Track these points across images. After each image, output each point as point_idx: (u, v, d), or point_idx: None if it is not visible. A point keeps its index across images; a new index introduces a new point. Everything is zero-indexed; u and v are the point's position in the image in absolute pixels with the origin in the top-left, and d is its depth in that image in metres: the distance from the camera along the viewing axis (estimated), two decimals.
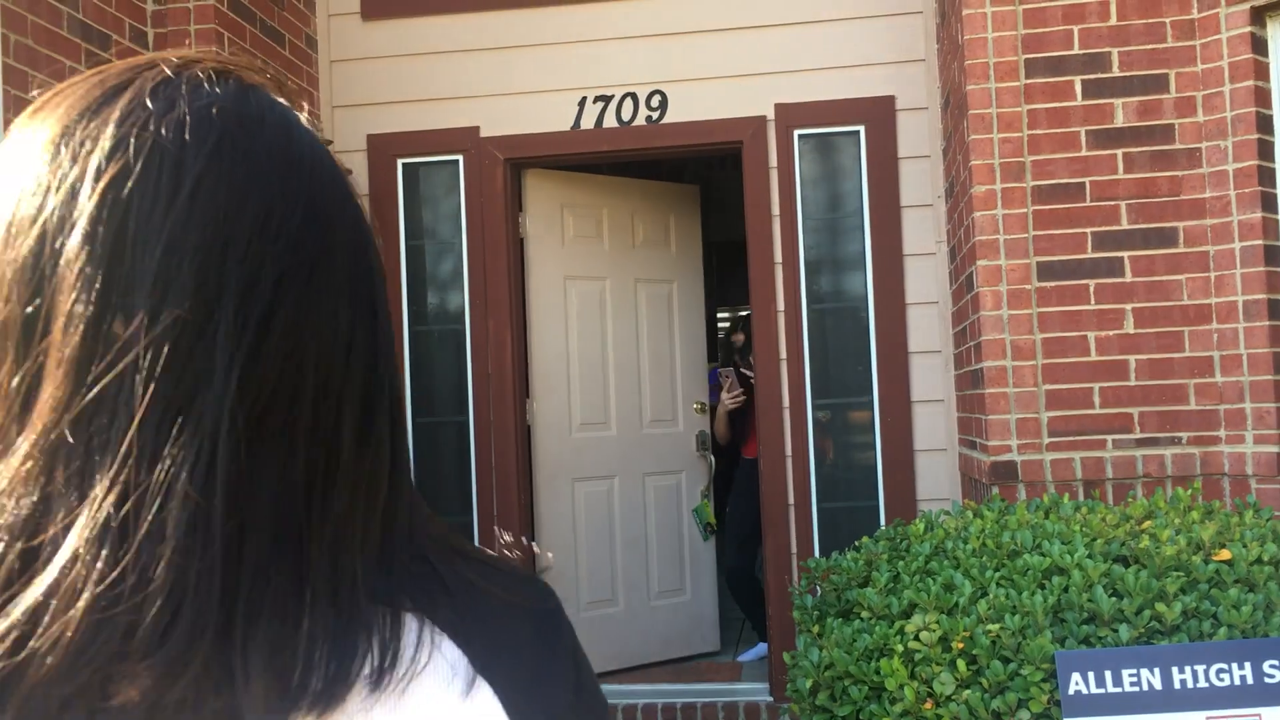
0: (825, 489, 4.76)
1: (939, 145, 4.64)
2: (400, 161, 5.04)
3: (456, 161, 5.02)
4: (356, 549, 0.60)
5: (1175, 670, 2.38)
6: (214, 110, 0.58)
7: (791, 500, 4.76)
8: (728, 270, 7.95)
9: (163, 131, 0.56)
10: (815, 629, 2.90)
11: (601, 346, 5.36)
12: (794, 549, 4.75)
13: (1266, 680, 2.35)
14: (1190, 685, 2.37)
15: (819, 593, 3.21)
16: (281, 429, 0.57)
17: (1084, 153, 3.69)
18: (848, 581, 3.00)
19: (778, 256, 4.79)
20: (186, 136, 0.57)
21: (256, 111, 0.60)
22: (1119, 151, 3.68)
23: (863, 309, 4.77)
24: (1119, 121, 3.68)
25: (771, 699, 4.75)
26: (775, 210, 4.80)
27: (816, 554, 4.67)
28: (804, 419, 4.76)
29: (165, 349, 0.54)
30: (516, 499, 4.94)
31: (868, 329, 4.76)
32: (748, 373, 5.24)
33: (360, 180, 4.96)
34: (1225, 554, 2.59)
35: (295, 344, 0.58)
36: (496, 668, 0.60)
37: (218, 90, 0.59)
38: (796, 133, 4.80)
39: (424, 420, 5.02)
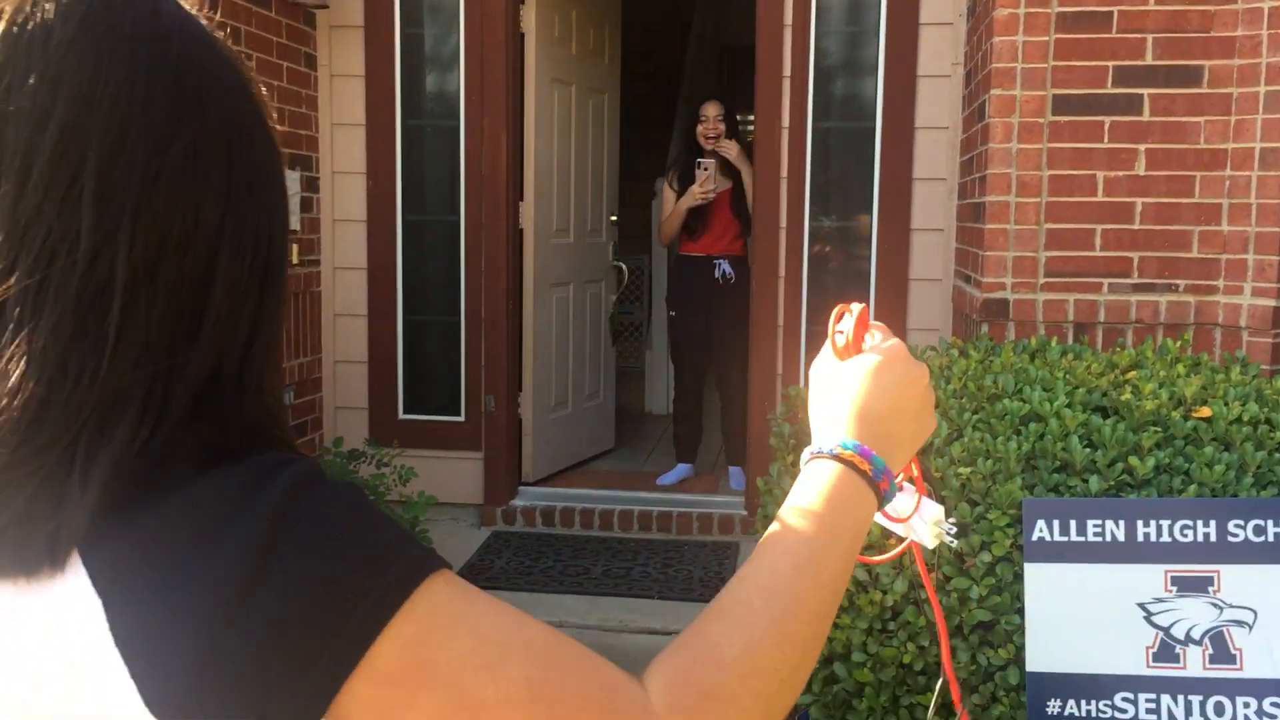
0: (815, 312, 4.71)
1: None
2: None
3: None
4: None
5: (1140, 524, 2.39)
6: None
7: (781, 322, 4.72)
8: (741, 77, 7.73)
9: (33, 10, 0.63)
10: (790, 458, 2.91)
11: (567, 154, 5.26)
12: (779, 371, 4.75)
13: (1230, 539, 2.36)
14: (1153, 539, 2.38)
15: (797, 421, 3.20)
16: (148, 287, 0.63)
17: None
18: None
19: (786, 69, 4.60)
20: (54, 13, 0.63)
21: None
22: None
23: (870, 130, 4.62)
24: None
25: (745, 513, 4.85)
26: (787, 19, 4.58)
27: (802, 380, 4.67)
28: (800, 239, 4.68)
29: (33, 210, 0.61)
30: (505, 304, 4.90)
31: (873, 151, 4.62)
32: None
33: None
34: (1205, 411, 2.56)
35: (161, 209, 0.64)
36: (107, 542, 0.60)
37: None
38: None
39: (414, 218, 4.94)
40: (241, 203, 0.67)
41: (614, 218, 5.84)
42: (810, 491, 0.81)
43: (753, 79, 4.70)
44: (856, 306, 0.93)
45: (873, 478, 0.83)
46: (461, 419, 4.99)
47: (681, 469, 5.36)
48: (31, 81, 0.61)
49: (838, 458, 0.84)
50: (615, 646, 3.71)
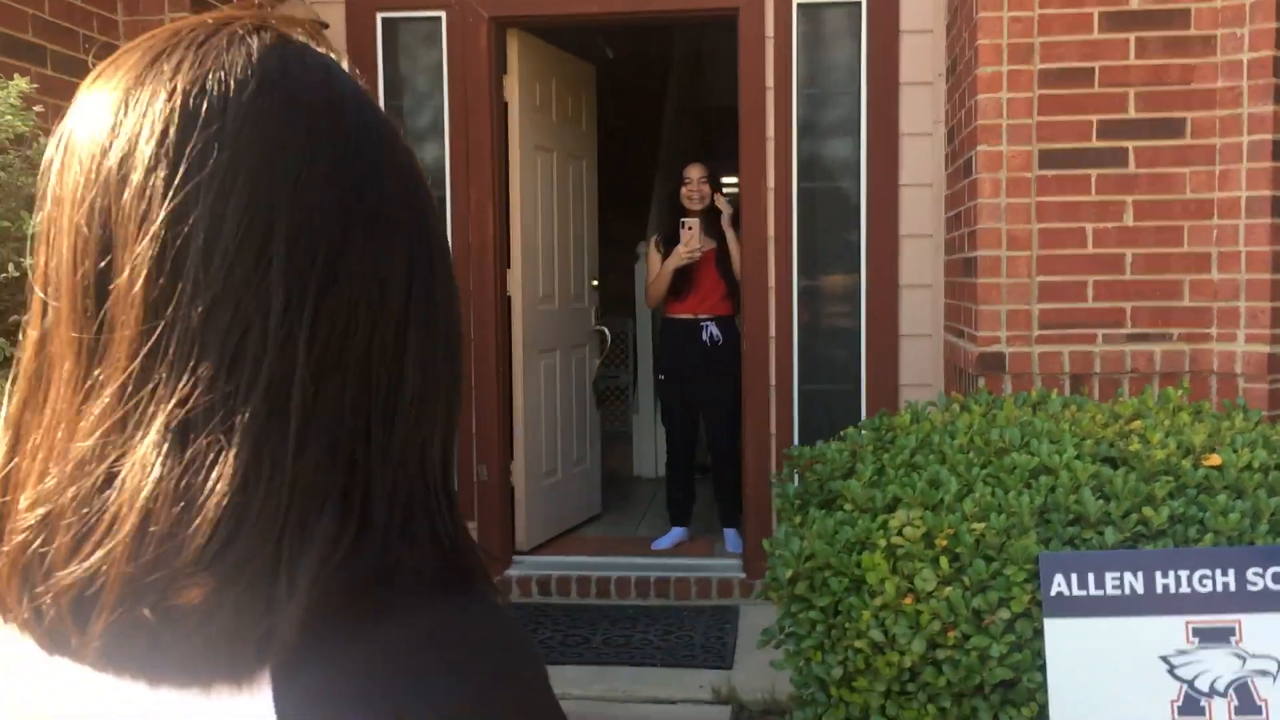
0: (807, 371, 4.71)
1: (943, 20, 4.47)
2: (380, 16, 4.82)
3: (439, 18, 4.79)
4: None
5: (1159, 575, 2.36)
6: (253, 58, 0.61)
7: (773, 382, 4.72)
8: (720, 138, 7.80)
9: (208, 83, 0.60)
10: (797, 519, 2.88)
11: (550, 220, 5.28)
12: (773, 431, 4.73)
13: (1249, 588, 2.34)
14: (1173, 590, 2.36)
15: (799, 481, 3.18)
16: (337, 368, 0.59)
17: (1095, 35, 3.54)
18: (831, 472, 2.97)
19: (769, 131, 4.64)
20: (229, 83, 0.60)
21: (296, 55, 0.63)
22: (1131, 35, 3.53)
23: (854, 188, 4.65)
24: (1134, 4, 3.53)
25: (745, 576, 4.79)
26: (769, 83, 4.63)
27: (795, 438, 4.65)
28: (789, 299, 4.69)
29: (220, 286, 0.57)
30: (495, 370, 4.87)
31: (859, 209, 4.65)
32: (725, 230, 5.05)
33: (337, 36, 4.74)
34: (1216, 459, 2.55)
35: (348, 283, 0.60)
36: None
37: (254, 41, 0.62)
38: (795, 1, 4.60)
39: None
40: (425, 275, 0.63)
41: (595, 282, 5.84)
42: None
43: (732, 140, 4.74)
44: None
45: None
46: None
47: (676, 533, 5.31)
48: (212, 157, 0.58)
49: None
50: (623, 716, 3.64)
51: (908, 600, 2.49)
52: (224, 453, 0.56)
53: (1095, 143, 3.55)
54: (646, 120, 8.68)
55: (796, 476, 3.27)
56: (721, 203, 5.11)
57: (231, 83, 0.59)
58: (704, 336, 5.16)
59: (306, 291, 0.58)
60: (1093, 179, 3.56)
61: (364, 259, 0.60)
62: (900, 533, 2.54)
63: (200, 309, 0.57)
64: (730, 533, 5.22)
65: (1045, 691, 2.37)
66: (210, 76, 0.60)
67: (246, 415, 0.57)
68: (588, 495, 5.77)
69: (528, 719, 0.60)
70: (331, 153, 0.60)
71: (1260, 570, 2.34)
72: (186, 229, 0.57)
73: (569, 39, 5.63)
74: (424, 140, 4.86)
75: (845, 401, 4.68)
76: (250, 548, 0.55)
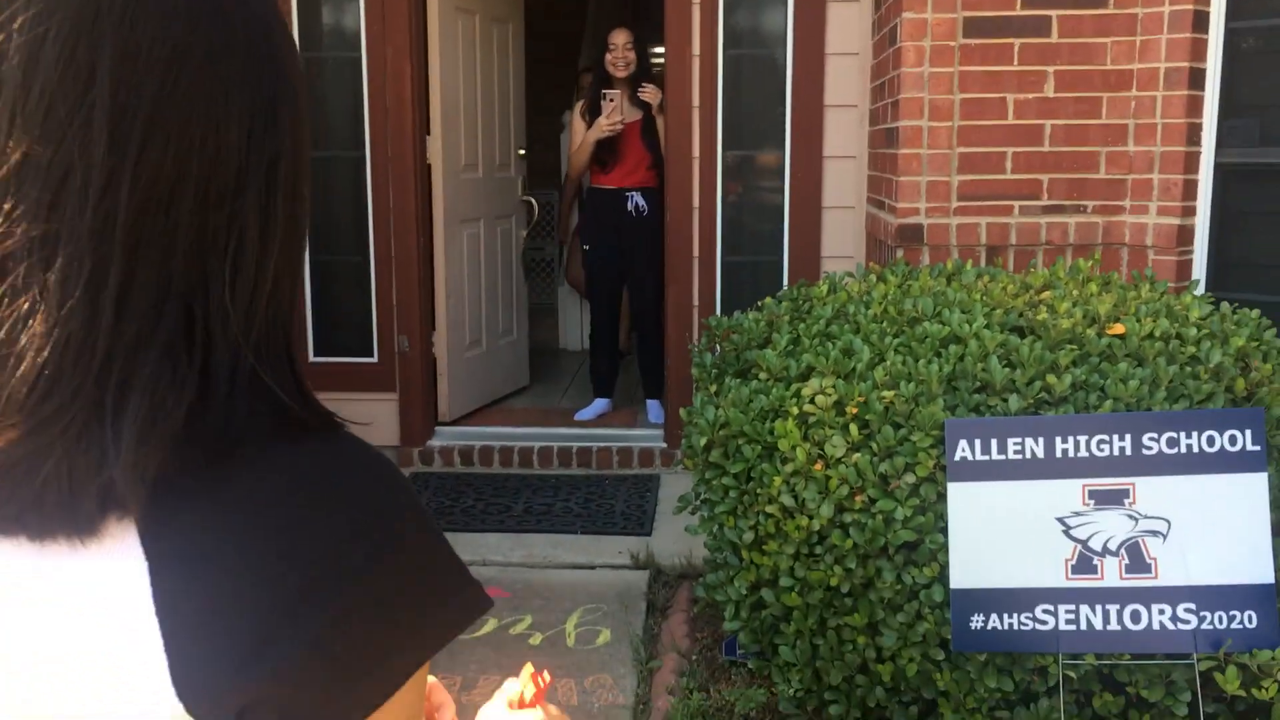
0: (730, 243, 4.70)
1: None
2: None
3: None
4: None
5: (1059, 440, 2.43)
6: None
7: (696, 253, 4.70)
8: (646, 6, 7.61)
9: None
10: (713, 388, 2.90)
11: (473, 85, 5.13)
12: (695, 302, 4.73)
13: (1144, 451, 2.41)
14: (1071, 454, 2.43)
15: (718, 351, 3.20)
16: (166, 215, 0.57)
17: None
18: (748, 342, 2.99)
19: None
20: None
21: None
22: None
23: (781, 56, 4.58)
24: None
25: (666, 446, 4.85)
26: None
27: (719, 309, 4.67)
28: (713, 170, 4.65)
29: (39, 127, 0.54)
30: (416, 241, 4.80)
31: (784, 78, 4.59)
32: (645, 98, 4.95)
33: None
34: (1119, 328, 2.61)
35: (179, 127, 0.57)
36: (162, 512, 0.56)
37: None
38: None
39: (317, 154, 4.78)
40: (268, 123, 0.60)
41: (522, 152, 5.73)
42: None
43: (658, 8, 4.62)
44: (534, 679, 0.97)
45: None
46: (374, 360, 4.89)
47: (599, 404, 5.34)
48: None
49: None
50: (540, 582, 3.70)
51: (818, 466, 2.53)
52: (40, 301, 0.54)
53: (1019, 10, 3.52)
54: None
55: (715, 347, 3.28)
56: (651, 94, 4.96)
57: None
58: (629, 207, 5.12)
59: (131, 133, 0.55)
60: (1015, 48, 3.54)
61: (197, 101, 0.57)
62: (812, 401, 2.57)
63: (19, 151, 0.54)
64: (653, 403, 5.26)
65: (946, 552, 2.45)
66: None
67: (65, 261, 0.54)
68: (515, 367, 5.76)
69: (405, 552, 0.60)
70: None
71: (1155, 435, 2.41)
72: (2, 67, 0.54)
73: None
74: (338, 0, 4.67)
75: (768, 273, 4.69)
76: (67, 396, 0.54)
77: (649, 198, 5.12)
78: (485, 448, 4.85)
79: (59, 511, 0.55)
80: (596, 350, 5.39)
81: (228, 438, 0.57)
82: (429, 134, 4.88)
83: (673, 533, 4.02)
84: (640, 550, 3.91)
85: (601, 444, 4.88)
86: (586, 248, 5.38)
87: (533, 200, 5.83)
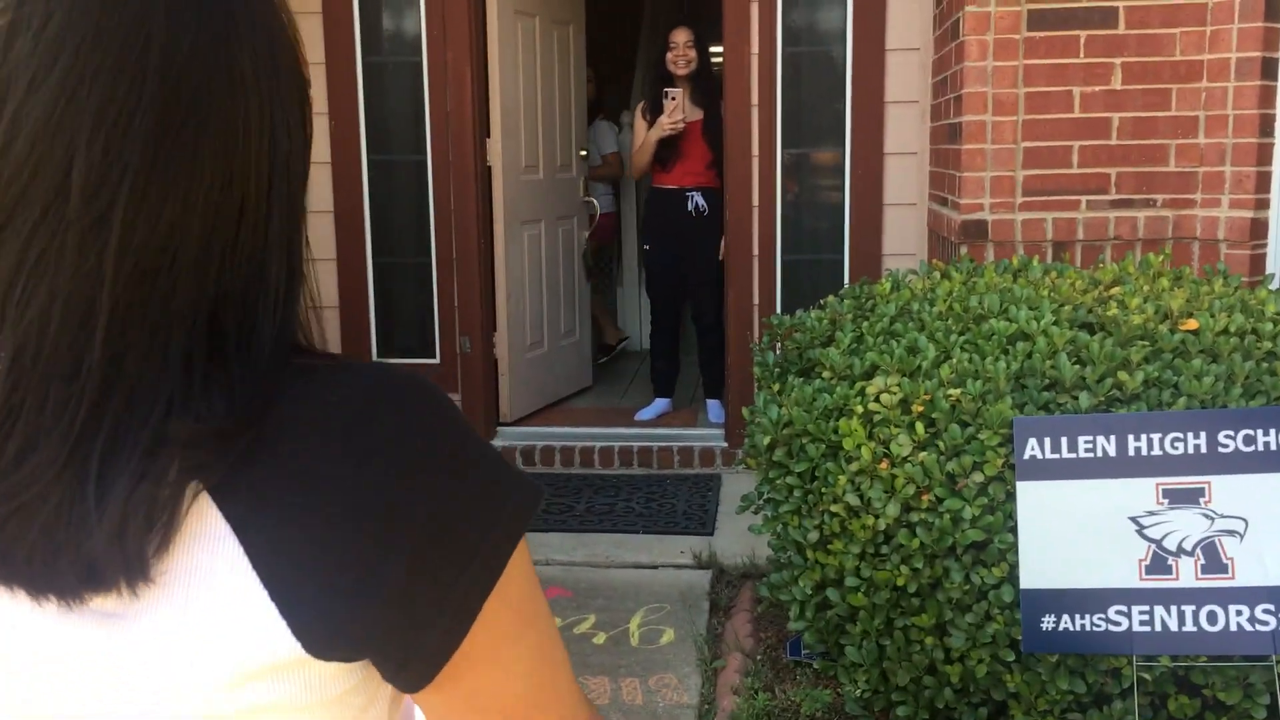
0: (790, 241, 4.68)
1: None
2: None
3: None
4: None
5: (1131, 438, 2.39)
6: None
7: (756, 252, 4.69)
8: (705, 4, 7.59)
9: None
10: (775, 386, 2.89)
11: (533, 87, 5.15)
12: (756, 301, 4.72)
13: (1220, 449, 2.36)
14: (1144, 453, 2.38)
15: (780, 350, 3.18)
16: (158, 279, 0.57)
17: None
18: (811, 340, 2.97)
19: None
20: None
21: None
22: None
23: (840, 53, 4.55)
24: None
25: (727, 445, 4.84)
26: None
27: (779, 308, 4.65)
28: (772, 167, 4.63)
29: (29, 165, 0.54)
30: (476, 243, 4.83)
31: (844, 74, 4.56)
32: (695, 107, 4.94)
33: None
34: (1192, 324, 2.56)
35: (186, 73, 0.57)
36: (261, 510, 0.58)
37: None
38: None
39: (379, 158, 4.84)
40: (270, 79, 0.62)
41: (584, 153, 5.75)
42: None
43: (716, 7, 4.61)
44: None
45: None
46: (436, 361, 4.94)
47: (660, 404, 5.35)
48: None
49: None
50: (603, 582, 3.71)
51: (883, 465, 2.51)
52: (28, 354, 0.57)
53: (1085, 2, 3.46)
54: None
55: (777, 345, 3.27)
56: (686, 110, 4.92)
57: None
58: (689, 207, 5.11)
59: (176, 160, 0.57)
60: (1081, 40, 3.48)
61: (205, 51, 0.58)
62: (877, 399, 2.55)
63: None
64: (713, 403, 5.25)
65: (1016, 552, 2.42)
66: None
67: (58, 311, 0.56)
68: (577, 367, 5.78)
69: (464, 454, 0.63)
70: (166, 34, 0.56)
71: (1231, 433, 2.36)
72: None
73: None
74: (400, 5, 4.72)
75: (828, 271, 4.66)
76: (44, 462, 0.56)
77: (709, 197, 5.11)
78: (547, 448, 4.87)
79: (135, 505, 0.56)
80: (657, 350, 5.39)
81: (263, 397, 0.59)
82: (489, 136, 4.91)
83: (735, 532, 4.01)
84: (702, 550, 3.90)
85: (662, 444, 4.88)
86: (647, 247, 5.38)
87: (594, 201, 5.85)
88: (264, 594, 0.57)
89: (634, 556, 3.90)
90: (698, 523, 4.19)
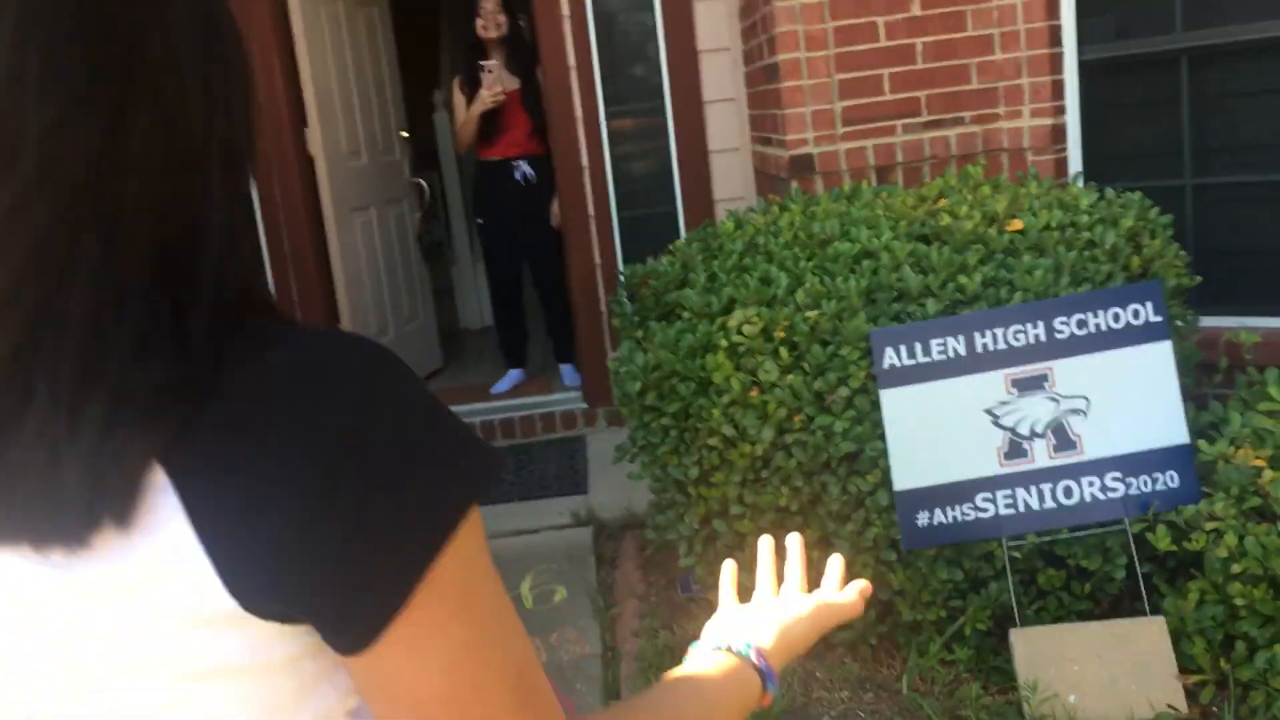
0: (624, 198, 4.75)
1: None
2: None
3: None
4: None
5: (977, 335, 2.55)
6: None
7: (592, 212, 4.74)
8: None
9: None
10: (639, 334, 2.95)
11: (345, 72, 5.07)
12: (598, 261, 4.77)
13: (1057, 336, 2.55)
14: (991, 348, 2.55)
15: (636, 300, 3.25)
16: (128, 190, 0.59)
17: None
18: (666, 285, 3.05)
19: None
20: None
21: None
22: None
23: (649, 7, 4.62)
24: None
25: (587, 406, 4.90)
26: None
27: (620, 265, 4.71)
28: (598, 128, 4.68)
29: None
30: (308, 234, 4.74)
31: (654, 28, 4.63)
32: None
33: None
34: (1018, 224, 2.74)
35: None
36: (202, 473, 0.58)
37: None
38: None
39: None
40: (196, 26, 0.62)
41: (405, 134, 5.68)
42: (721, 678, 0.88)
43: None
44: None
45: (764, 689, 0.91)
46: None
47: (514, 374, 5.36)
48: None
49: (753, 666, 0.91)
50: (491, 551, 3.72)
51: (753, 393, 2.61)
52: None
53: None
54: None
55: (633, 295, 3.33)
56: (503, 81, 4.91)
57: None
58: (517, 175, 5.11)
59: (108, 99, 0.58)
60: None
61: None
62: (740, 331, 2.65)
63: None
64: (566, 367, 5.30)
65: (887, 457, 2.55)
66: None
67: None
68: (426, 350, 5.73)
69: (415, 416, 0.61)
70: None
71: (1066, 319, 2.55)
72: None
73: None
74: None
75: (664, 223, 4.75)
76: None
77: (536, 165, 5.13)
78: None
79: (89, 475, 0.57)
80: (502, 322, 5.40)
81: (213, 353, 0.59)
82: (306, 126, 4.81)
83: (608, 487, 4.08)
84: (580, 508, 3.96)
85: (522, 413, 4.91)
86: (480, 221, 5.36)
87: (422, 182, 5.79)
88: (200, 548, 0.57)
89: (514, 524, 3.93)
90: (570, 483, 4.24)
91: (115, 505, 0.56)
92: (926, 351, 2.55)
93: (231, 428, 0.57)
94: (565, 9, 4.57)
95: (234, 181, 0.64)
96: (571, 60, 4.61)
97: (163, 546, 0.57)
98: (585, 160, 4.70)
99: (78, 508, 0.56)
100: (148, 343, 0.58)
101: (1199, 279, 2.92)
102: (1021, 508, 2.58)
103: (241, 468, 0.57)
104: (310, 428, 0.57)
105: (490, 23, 4.96)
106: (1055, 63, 3.66)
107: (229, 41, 0.65)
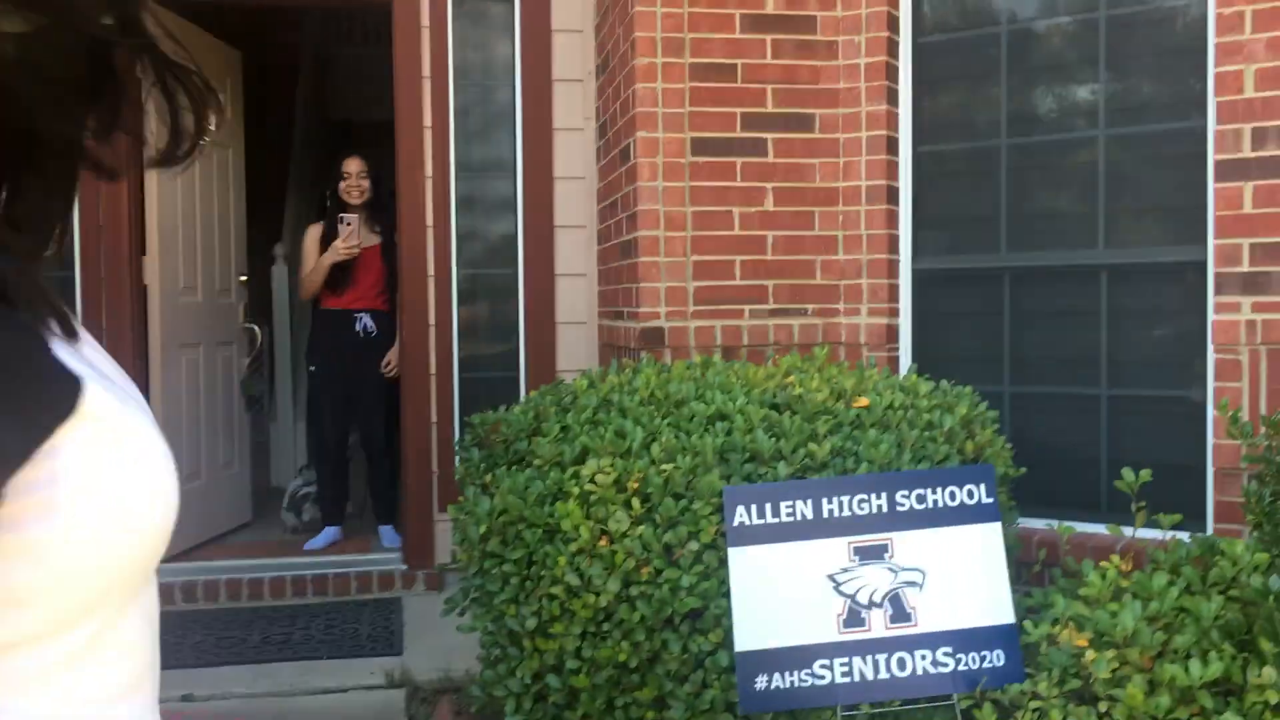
0: (468, 359, 4.74)
1: (592, 21, 4.68)
2: None
3: None
4: None
5: (825, 501, 2.61)
6: None
7: (433, 370, 4.71)
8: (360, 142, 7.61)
9: None
10: (487, 478, 2.91)
11: (192, 207, 5.01)
12: (434, 419, 4.72)
13: (898, 508, 2.64)
14: (837, 514, 2.61)
15: (481, 448, 3.21)
16: None
17: (737, 35, 3.86)
18: (517, 434, 3.03)
19: (427, 120, 4.65)
20: None
21: None
22: (768, 37, 3.88)
23: (510, 179, 4.75)
24: (769, 8, 3.88)
25: (406, 568, 4.74)
26: (426, 71, 4.64)
27: (456, 426, 4.67)
28: (448, 288, 4.71)
29: None
30: (131, 364, 4.53)
31: (515, 200, 4.76)
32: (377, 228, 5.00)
33: None
34: (864, 400, 2.86)
35: None
36: None
37: None
38: None
39: None
40: None
41: (244, 278, 5.57)
42: None
43: (372, 141, 4.70)
44: None
45: None
46: None
47: (330, 532, 5.15)
48: None
49: None
50: (294, 710, 3.49)
51: (603, 542, 2.59)
52: None
53: (740, 133, 3.86)
54: (285, 119, 8.36)
55: (477, 444, 3.30)
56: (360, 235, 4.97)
57: None
58: (357, 327, 5.07)
59: None
60: (738, 166, 3.86)
61: None
62: (593, 480, 2.64)
63: None
64: (386, 529, 5.13)
65: (730, 616, 2.55)
66: None
67: None
68: (237, 501, 5.47)
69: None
70: None
71: (907, 493, 2.64)
72: None
73: (212, 21, 5.34)
74: None
75: (505, 388, 4.75)
76: None
77: (378, 320, 5.10)
78: (210, 582, 4.55)
79: None
80: (325, 477, 5.22)
81: None
82: (145, 254, 4.67)
83: (426, 649, 3.91)
84: (394, 669, 3.77)
85: (337, 570, 4.70)
86: (313, 368, 5.25)
87: (255, 328, 5.65)
88: None
89: (321, 682, 3.70)
90: (385, 644, 4.04)
91: None
92: (776, 512, 2.60)
93: None
94: (429, 171, 4.65)
95: None
96: (430, 219, 4.67)
97: None
98: (433, 318, 4.70)
99: None
100: None
101: (1024, 469, 3.09)
102: (857, 677, 2.60)
103: None
104: None
105: (354, 188, 5.01)
106: (892, 268, 3.91)
107: None
